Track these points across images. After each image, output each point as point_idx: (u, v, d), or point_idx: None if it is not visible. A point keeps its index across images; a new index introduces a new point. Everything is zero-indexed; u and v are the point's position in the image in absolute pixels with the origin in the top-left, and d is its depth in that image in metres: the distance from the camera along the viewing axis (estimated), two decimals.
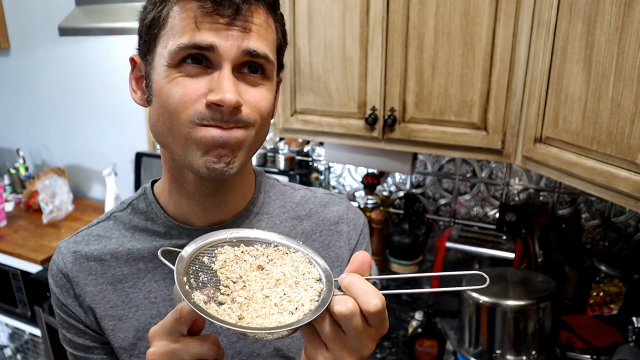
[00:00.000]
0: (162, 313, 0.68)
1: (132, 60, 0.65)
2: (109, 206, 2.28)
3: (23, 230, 2.26)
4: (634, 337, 1.22)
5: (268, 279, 0.52)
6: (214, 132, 0.57)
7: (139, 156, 2.37)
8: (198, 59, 0.57)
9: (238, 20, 0.57)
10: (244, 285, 0.50)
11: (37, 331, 2.10)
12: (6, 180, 2.66)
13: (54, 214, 2.32)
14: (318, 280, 0.52)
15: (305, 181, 2.05)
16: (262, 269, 0.53)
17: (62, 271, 0.70)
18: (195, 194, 0.67)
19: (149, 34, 0.60)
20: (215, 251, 0.53)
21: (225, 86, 0.56)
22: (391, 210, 1.95)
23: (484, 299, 1.26)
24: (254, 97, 0.60)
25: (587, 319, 1.45)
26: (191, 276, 0.49)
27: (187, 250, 0.51)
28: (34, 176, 2.57)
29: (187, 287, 0.47)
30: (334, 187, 2.06)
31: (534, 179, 1.69)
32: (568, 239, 1.58)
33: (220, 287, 0.50)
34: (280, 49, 0.65)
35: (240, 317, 0.47)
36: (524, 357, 1.26)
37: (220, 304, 0.48)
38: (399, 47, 1.34)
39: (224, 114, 0.57)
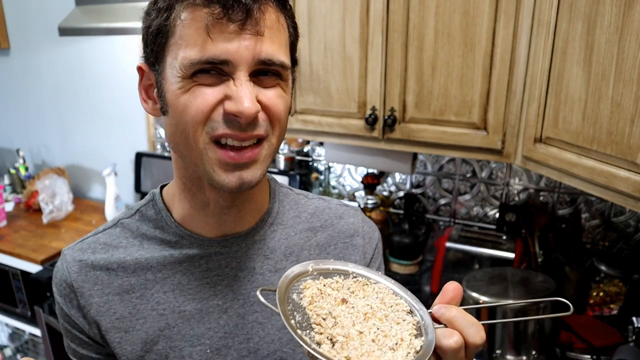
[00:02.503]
0: (171, 325, 0.66)
1: (139, 69, 0.63)
2: (109, 206, 2.28)
3: (23, 230, 2.26)
4: (634, 337, 1.22)
5: (355, 312, 0.50)
6: (230, 156, 0.57)
7: (139, 156, 2.37)
8: (212, 70, 0.55)
9: (249, 24, 0.54)
10: (335, 322, 0.48)
11: (37, 331, 2.10)
12: (6, 180, 2.66)
13: (54, 214, 2.32)
14: (409, 313, 0.51)
15: (305, 181, 2.05)
16: (346, 302, 0.51)
17: (67, 281, 0.67)
18: (211, 205, 0.65)
19: (156, 43, 0.58)
20: (301, 286, 0.52)
21: (243, 95, 0.54)
22: (391, 210, 1.95)
23: (484, 299, 1.26)
24: (270, 100, 0.58)
25: (587, 319, 1.45)
26: (291, 318, 0.47)
27: (281, 289, 0.49)
28: (34, 176, 2.57)
29: (299, 331, 0.45)
30: (333, 187, 2.06)
31: (534, 179, 1.69)
32: (568, 239, 1.58)
33: (313, 325, 0.48)
34: (293, 45, 0.62)
35: (348, 357, 0.45)
36: (524, 357, 1.26)
37: (318, 343, 0.46)
38: (399, 47, 1.34)
39: (242, 124, 0.55)
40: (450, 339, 0.46)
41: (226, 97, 0.55)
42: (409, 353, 0.46)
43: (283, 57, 0.58)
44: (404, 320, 0.50)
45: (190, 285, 0.67)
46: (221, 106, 0.56)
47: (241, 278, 0.68)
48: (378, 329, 0.48)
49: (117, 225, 0.71)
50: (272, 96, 0.58)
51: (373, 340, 0.47)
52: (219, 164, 0.58)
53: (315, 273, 0.53)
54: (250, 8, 0.53)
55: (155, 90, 0.61)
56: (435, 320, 0.49)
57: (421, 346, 0.47)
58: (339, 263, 0.55)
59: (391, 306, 0.51)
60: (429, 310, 0.50)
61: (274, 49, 0.56)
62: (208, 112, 0.56)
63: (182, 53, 0.55)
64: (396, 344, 0.47)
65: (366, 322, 0.49)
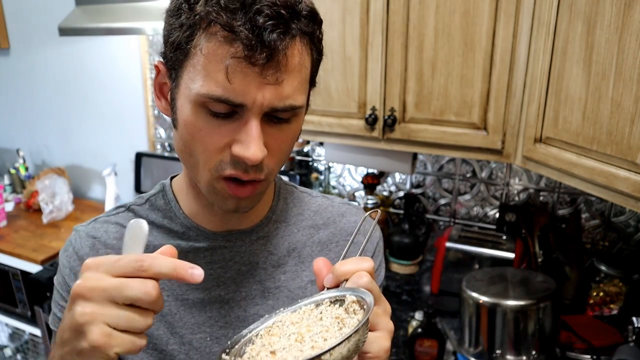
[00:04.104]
0: (173, 312, 0.68)
1: (156, 67, 0.63)
2: (109, 206, 2.28)
3: (23, 230, 2.26)
4: (634, 337, 1.22)
5: (290, 347, 0.48)
6: (233, 189, 0.59)
7: (139, 156, 2.37)
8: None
9: (270, 68, 0.52)
10: None
11: (37, 331, 2.10)
12: (6, 180, 2.66)
13: (54, 214, 2.32)
14: (318, 306, 0.52)
15: (305, 181, 2.05)
16: (274, 353, 0.49)
17: (78, 253, 0.69)
18: (215, 205, 0.66)
19: (175, 55, 0.57)
20: None
21: (251, 141, 0.55)
22: (391, 210, 1.95)
23: (484, 299, 1.26)
24: (277, 144, 0.59)
25: (587, 319, 1.45)
26: None
27: None
28: (34, 176, 2.57)
29: None
30: (333, 187, 2.06)
31: (534, 179, 1.69)
32: (568, 239, 1.58)
33: None
34: (314, 75, 0.61)
35: (332, 352, 0.45)
36: (524, 357, 1.26)
37: None
38: (399, 47, 1.34)
39: (247, 166, 0.57)
40: (361, 280, 0.50)
41: (234, 140, 0.56)
42: (355, 309, 0.48)
43: (299, 100, 0.57)
44: (321, 313, 0.51)
45: None
46: (229, 149, 0.57)
47: (244, 272, 0.70)
48: (316, 334, 0.48)
49: (128, 210, 0.73)
50: (281, 139, 0.59)
51: (325, 340, 0.47)
52: (220, 192, 0.60)
53: (234, 359, 0.51)
54: (273, 50, 0.51)
55: (169, 94, 0.61)
56: (336, 287, 0.52)
57: (355, 296, 0.49)
58: (239, 337, 0.53)
59: (302, 319, 0.52)
60: (326, 289, 0.53)
61: (291, 94, 0.55)
62: (215, 153, 0.57)
63: (199, 81, 0.54)
64: (338, 323, 0.48)
65: (303, 343, 0.48)
